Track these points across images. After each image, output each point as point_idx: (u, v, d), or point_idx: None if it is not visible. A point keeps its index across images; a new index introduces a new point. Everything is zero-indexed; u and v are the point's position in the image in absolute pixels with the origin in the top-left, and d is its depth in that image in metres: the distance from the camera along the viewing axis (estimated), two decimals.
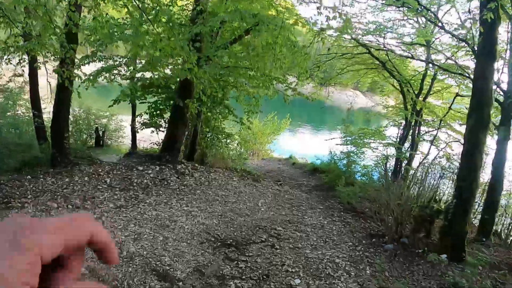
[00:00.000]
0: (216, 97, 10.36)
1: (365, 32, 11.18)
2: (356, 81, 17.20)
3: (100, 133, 16.05)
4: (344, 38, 13.61)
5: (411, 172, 12.35)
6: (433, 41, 10.67)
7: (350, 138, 11.63)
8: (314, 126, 38.88)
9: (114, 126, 16.85)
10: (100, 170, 8.23)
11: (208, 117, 10.45)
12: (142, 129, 11.61)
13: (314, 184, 10.64)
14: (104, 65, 9.23)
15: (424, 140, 13.77)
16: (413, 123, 12.21)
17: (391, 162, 13.95)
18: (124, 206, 6.25)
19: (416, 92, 12.22)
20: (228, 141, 10.95)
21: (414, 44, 10.53)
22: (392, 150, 13.91)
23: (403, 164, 12.55)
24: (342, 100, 58.93)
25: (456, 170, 12.97)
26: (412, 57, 10.72)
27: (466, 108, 13.85)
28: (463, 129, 14.46)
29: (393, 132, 14.91)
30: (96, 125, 16.12)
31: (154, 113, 10.79)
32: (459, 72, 10.40)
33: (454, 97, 13.07)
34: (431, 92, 12.87)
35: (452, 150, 14.13)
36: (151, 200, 6.66)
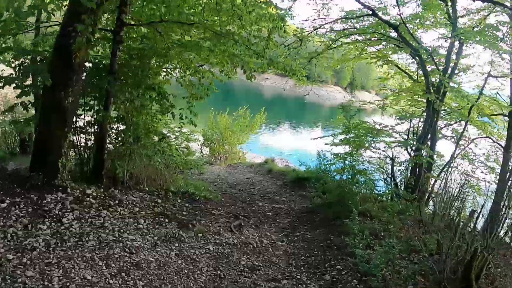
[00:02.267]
0: (135, 73, 5.86)
1: None
2: (342, 64, 12.83)
3: (26, 137, 11.37)
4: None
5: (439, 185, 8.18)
6: None
7: (348, 136, 7.36)
8: (294, 123, 34.58)
9: None
10: None
11: (127, 109, 5.93)
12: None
13: (299, 210, 6.33)
14: None
15: (444, 137, 9.58)
16: (435, 113, 8.01)
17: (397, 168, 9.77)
18: None
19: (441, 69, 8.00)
20: (165, 145, 6.46)
21: None
22: (395, 151, 9.73)
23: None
24: (322, 96, 55.04)
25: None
26: None
27: (498, 94, 9.82)
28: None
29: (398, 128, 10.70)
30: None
31: None
32: None
33: (486, 78, 8.95)
34: (456, 72, 8.70)
35: (480, 149, 10.00)
36: None
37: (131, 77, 5.85)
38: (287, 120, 34.20)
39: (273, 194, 7.60)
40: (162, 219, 4.26)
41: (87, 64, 5.72)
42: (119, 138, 5.97)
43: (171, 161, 7.24)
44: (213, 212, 5.14)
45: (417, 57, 8.68)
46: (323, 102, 51.82)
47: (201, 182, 8.08)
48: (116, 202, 4.70)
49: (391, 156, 9.32)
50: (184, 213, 4.78)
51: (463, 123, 9.48)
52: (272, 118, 33.06)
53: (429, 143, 8.42)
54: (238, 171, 10.10)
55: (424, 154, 7.96)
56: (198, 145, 13.73)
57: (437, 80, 8.24)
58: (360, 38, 9.73)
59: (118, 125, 6.04)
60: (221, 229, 4.42)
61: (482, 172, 9.90)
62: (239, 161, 13.24)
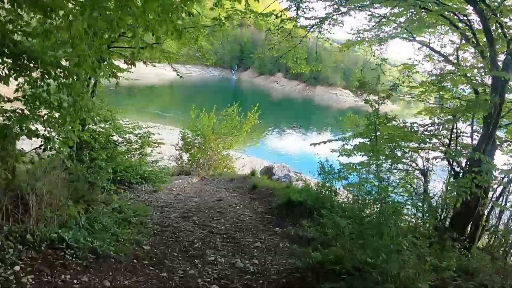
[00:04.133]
0: None
1: None
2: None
3: None
4: None
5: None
6: None
7: (370, 140, 4.32)
8: (302, 126, 31.36)
9: None
10: None
11: None
12: None
13: (278, 275, 3.39)
14: None
15: (505, 141, 6.38)
16: (502, 105, 4.89)
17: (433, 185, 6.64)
18: None
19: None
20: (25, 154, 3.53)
21: None
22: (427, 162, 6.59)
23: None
24: (331, 100, 51.76)
25: None
26: None
27: None
28: None
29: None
30: None
31: None
32: None
33: None
34: None
35: None
36: None
37: None
38: (295, 123, 31.01)
39: (244, 232, 4.59)
40: None
41: None
42: None
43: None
44: None
45: (462, 24, 5.64)
46: (332, 105, 48.50)
47: (144, 206, 5.19)
48: None
49: (423, 168, 6.25)
50: None
51: None
52: (280, 120, 30.16)
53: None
54: (211, 187, 7.14)
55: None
56: (176, 150, 10.87)
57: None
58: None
59: None
60: None
61: None
62: (223, 170, 10.28)
